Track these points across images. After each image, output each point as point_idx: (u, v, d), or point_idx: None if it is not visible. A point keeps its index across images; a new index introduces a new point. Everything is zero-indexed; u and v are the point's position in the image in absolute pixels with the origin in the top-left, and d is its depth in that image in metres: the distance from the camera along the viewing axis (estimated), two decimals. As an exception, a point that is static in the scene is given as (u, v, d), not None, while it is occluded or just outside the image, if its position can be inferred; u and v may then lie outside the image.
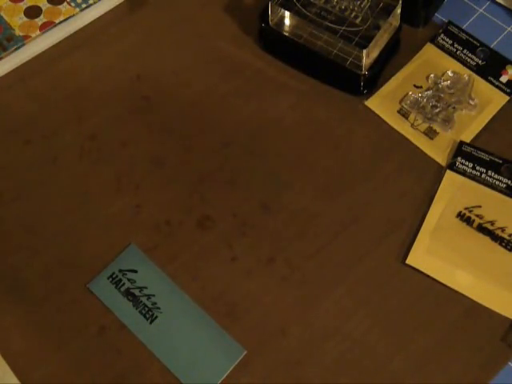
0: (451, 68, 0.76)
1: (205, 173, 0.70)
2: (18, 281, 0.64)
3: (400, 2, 0.74)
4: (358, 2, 0.74)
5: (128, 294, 0.63)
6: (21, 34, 0.76)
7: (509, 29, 0.80)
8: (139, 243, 0.66)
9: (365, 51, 0.71)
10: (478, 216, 0.67)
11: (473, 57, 0.77)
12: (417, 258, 0.65)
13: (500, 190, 0.69)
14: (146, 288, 0.64)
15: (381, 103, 0.74)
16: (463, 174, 0.70)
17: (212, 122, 0.74)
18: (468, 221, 0.67)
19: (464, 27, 0.80)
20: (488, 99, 0.75)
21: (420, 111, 0.73)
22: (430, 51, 0.78)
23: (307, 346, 0.62)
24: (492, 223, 0.67)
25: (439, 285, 0.64)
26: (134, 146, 0.72)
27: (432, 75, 0.76)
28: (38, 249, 0.66)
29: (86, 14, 0.79)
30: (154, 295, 0.63)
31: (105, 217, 0.68)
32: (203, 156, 0.71)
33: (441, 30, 0.79)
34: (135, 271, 0.64)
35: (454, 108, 0.74)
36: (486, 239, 0.66)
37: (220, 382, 0.60)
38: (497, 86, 0.76)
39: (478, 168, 0.70)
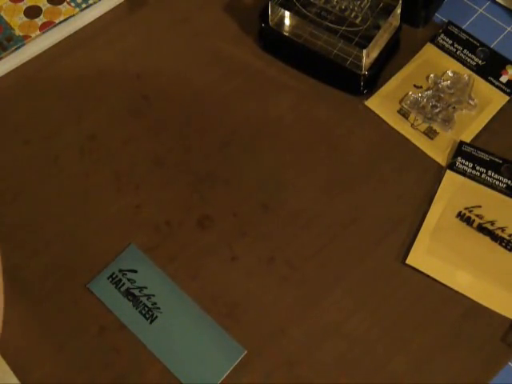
0: (451, 68, 0.76)
1: (205, 173, 0.70)
2: (17, 281, 0.64)
3: (400, 2, 0.74)
4: (358, 2, 0.74)
5: (128, 294, 0.63)
6: (21, 33, 0.76)
7: (509, 29, 0.80)
8: (139, 243, 0.66)
9: (365, 51, 0.71)
10: (477, 216, 0.67)
11: (473, 57, 0.77)
12: (417, 258, 0.65)
13: (500, 190, 0.69)
14: (145, 288, 0.64)
15: (381, 103, 0.74)
16: (463, 174, 0.70)
17: (212, 122, 0.74)
18: (468, 221, 0.67)
19: (464, 27, 0.80)
20: (488, 99, 0.75)
21: (420, 111, 0.73)
22: (430, 51, 0.78)
23: (307, 345, 0.62)
24: (492, 223, 0.67)
25: (439, 285, 0.64)
26: (134, 145, 0.72)
27: (432, 75, 0.76)
28: (38, 249, 0.66)
29: (86, 14, 0.79)
30: (153, 295, 0.63)
31: (105, 217, 0.68)
32: (203, 156, 0.71)
33: (441, 30, 0.79)
34: (135, 271, 0.64)
35: (453, 108, 0.74)
36: (486, 239, 0.66)
37: (220, 382, 0.60)
38: (497, 86, 0.76)
39: (478, 168, 0.70)
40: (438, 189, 0.69)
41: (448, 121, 0.73)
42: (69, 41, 0.79)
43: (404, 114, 0.74)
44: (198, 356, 0.61)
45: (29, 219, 0.67)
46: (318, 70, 0.76)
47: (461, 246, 0.66)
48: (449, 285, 0.64)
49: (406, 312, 0.63)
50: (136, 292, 0.63)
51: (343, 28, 0.73)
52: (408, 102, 0.74)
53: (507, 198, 0.69)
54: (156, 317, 0.62)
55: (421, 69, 0.77)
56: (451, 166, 0.70)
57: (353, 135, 0.73)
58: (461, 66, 0.77)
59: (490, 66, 0.77)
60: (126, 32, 0.80)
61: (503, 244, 0.66)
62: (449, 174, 0.70)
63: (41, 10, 0.78)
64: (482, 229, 0.67)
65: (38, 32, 0.76)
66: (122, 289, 0.64)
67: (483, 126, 0.73)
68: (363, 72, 0.73)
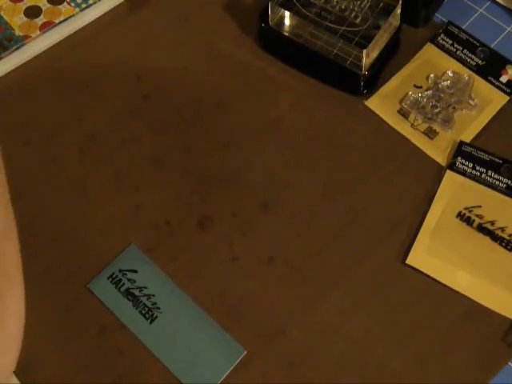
0: (451, 68, 0.76)
1: (205, 173, 0.70)
2: (18, 281, 0.64)
3: (400, 2, 0.74)
4: (358, 2, 0.74)
5: (128, 294, 0.63)
6: (21, 34, 0.76)
7: (509, 29, 0.80)
8: (139, 243, 0.66)
9: (365, 51, 0.71)
10: (478, 216, 0.67)
11: (473, 57, 0.77)
12: (417, 258, 0.65)
13: (500, 190, 0.69)
14: (145, 288, 0.64)
15: (381, 103, 0.74)
16: (463, 174, 0.70)
17: (212, 122, 0.74)
18: (468, 221, 0.67)
19: (464, 27, 0.80)
20: (488, 99, 0.75)
21: (420, 111, 0.73)
22: (430, 51, 0.78)
23: (307, 345, 0.62)
24: (492, 223, 0.67)
25: (439, 285, 0.64)
26: (134, 145, 0.72)
27: (432, 75, 0.76)
28: (38, 249, 0.66)
29: (86, 14, 0.79)
30: (153, 295, 0.63)
31: (105, 217, 0.68)
32: (203, 156, 0.71)
33: (441, 30, 0.79)
34: (135, 271, 0.64)
35: (454, 108, 0.74)
36: (486, 239, 0.66)
37: (220, 382, 0.60)
38: (497, 86, 0.76)
39: (478, 168, 0.70)
40: (438, 189, 0.69)
41: (448, 121, 0.73)
42: (69, 41, 0.79)
43: (404, 114, 0.74)
44: (198, 356, 0.61)
45: (29, 219, 0.67)
46: (318, 70, 0.76)
47: (461, 246, 0.66)
48: (449, 285, 0.64)
49: (406, 312, 0.63)
50: (136, 292, 0.63)
51: (343, 28, 0.73)
52: (408, 102, 0.74)
53: (507, 198, 0.69)
54: (156, 317, 0.62)
55: (421, 69, 0.77)
56: (451, 166, 0.70)
57: (353, 135, 0.73)
58: (461, 66, 0.77)
59: (490, 66, 0.77)
60: (126, 32, 0.80)
61: (503, 244, 0.66)
62: (449, 174, 0.70)
63: (41, 9, 0.78)
64: (481, 229, 0.67)
65: (38, 32, 0.76)
66: (122, 289, 0.64)
67: (483, 126, 0.73)
68: (363, 72, 0.73)
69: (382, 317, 0.63)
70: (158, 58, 0.78)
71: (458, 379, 0.60)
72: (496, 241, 0.66)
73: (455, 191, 0.69)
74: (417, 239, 0.66)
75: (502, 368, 0.61)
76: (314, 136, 0.73)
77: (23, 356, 0.61)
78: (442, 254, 0.65)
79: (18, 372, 0.60)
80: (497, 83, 0.76)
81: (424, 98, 0.74)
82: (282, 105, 0.75)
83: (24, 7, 0.78)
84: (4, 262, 0.37)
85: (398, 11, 0.75)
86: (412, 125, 0.73)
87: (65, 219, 0.68)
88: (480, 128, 0.73)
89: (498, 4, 0.82)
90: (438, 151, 0.72)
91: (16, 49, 0.76)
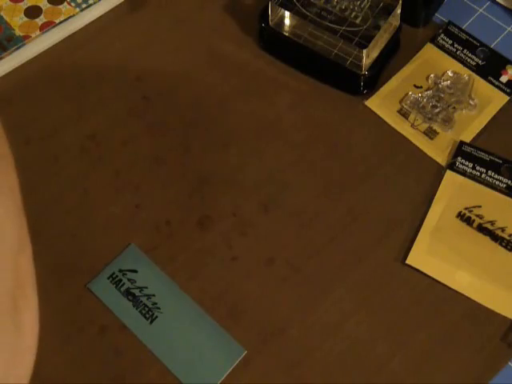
0: (451, 68, 0.76)
1: (205, 173, 0.70)
2: (18, 281, 0.64)
3: (400, 2, 0.74)
4: (358, 2, 0.74)
5: (128, 294, 0.63)
6: (21, 34, 0.76)
7: (509, 29, 0.80)
8: (139, 243, 0.66)
9: (365, 51, 0.71)
10: (478, 216, 0.67)
11: (473, 57, 0.77)
12: (417, 258, 0.65)
13: (500, 190, 0.69)
14: (146, 288, 0.64)
15: (381, 103, 0.74)
16: (463, 174, 0.70)
17: (212, 122, 0.74)
18: (468, 221, 0.67)
19: (464, 27, 0.80)
20: (488, 99, 0.75)
21: (420, 111, 0.73)
22: (429, 51, 0.78)
23: (307, 345, 0.62)
24: (492, 223, 0.67)
25: (439, 285, 0.64)
26: (134, 145, 0.72)
27: (432, 75, 0.76)
28: (38, 249, 0.66)
29: (86, 14, 0.79)
30: (153, 295, 0.63)
31: (105, 217, 0.68)
32: (203, 156, 0.71)
33: (441, 30, 0.79)
34: (135, 271, 0.64)
35: (454, 108, 0.74)
36: (486, 239, 0.66)
37: (220, 382, 0.60)
38: (497, 86, 0.76)
39: (477, 168, 0.70)
40: (438, 189, 0.69)
41: (448, 121, 0.73)
42: (69, 41, 0.79)
43: (404, 114, 0.74)
44: (198, 356, 0.61)
45: (29, 219, 0.67)
46: (318, 70, 0.76)
47: (461, 246, 0.66)
48: (449, 285, 0.64)
49: (406, 312, 0.63)
50: (136, 292, 0.63)
51: (343, 28, 0.73)
52: (408, 102, 0.74)
53: (507, 198, 0.69)
54: (156, 317, 0.62)
55: (421, 69, 0.77)
56: (451, 166, 0.70)
57: (353, 135, 0.73)
58: (461, 65, 0.77)
59: (489, 66, 0.77)
60: (126, 32, 0.80)
61: (503, 244, 0.66)
62: (449, 174, 0.70)
63: (41, 9, 0.78)
64: (481, 229, 0.67)
65: (38, 32, 0.76)
66: (122, 289, 0.64)
67: (483, 126, 0.73)
68: (363, 72, 0.73)
69: (382, 317, 0.63)
70: (158, 58, 0.78)
71: (458, 379, 0.60)
72: (496, 241, 0.66)
73: (455, 191, 0.69)
74: (417, 239, 0.66)
75: (502, 368, 0.61)
76: (314, 136, 0.73)
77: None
78: (442, 254, 0.65)
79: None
80: (497, 83, 0.76)
81: (424, 98, 0.74)
82: (282, 105, 0.75)
83: (24, 7, 0.78)
84: (19, 275, 0.37)
85: (398, 11, 0.75)
86: (412, 125, 0.73)
87: (65, 219, 0.68)
88: (480, 128, 0.73)
89: (498, 4, 0.82)
90: (437, 151, 0.72)
91: (16, 49, 0.76)
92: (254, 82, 0.76)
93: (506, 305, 0.63)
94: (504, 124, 0.74)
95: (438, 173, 0.70)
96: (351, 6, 0.74)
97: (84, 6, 0.79)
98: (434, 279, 0.64)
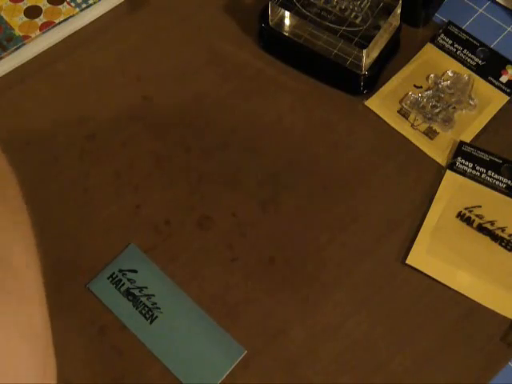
0: (451, 68, 0.76)
1: (205, 173, 0.70)
2: (17, 281, 0.64)
3: (400, 2, 0.74)
4: (358, 2, 0.74)
5: (128, 294, 0.63)
6: (21, 34, 0.76)
7: (509, 29, 0.80)
8: (139, 243, 0.66)
9: (365, 51, 0.71)
10: (478, 216, 0.67)
11: (473, 57, 0.77)
12: (417, 258, 0.65)
13: (500, 190, 0.69)
14: (146, 288, 0.64)
15: (381, 103, 0.74)
16: (463, 174, 0.70)
17: (212, 122, 0.74)
18: (468, 221, 0.67)
19: (464, 27, 0.80)
20: (488, 99, 0.75)
21: (420, 111, 0.73)
22: (430, 51, 0.78)
23: (307, 345, 0.62)
24: (492, 223, 0.67)
25: (439, 285, 0.64)
26: (134, 145, 0.72)
27: (432, 75, 0.76)
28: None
29: (86, 14, 0.79)
30: (153, 295, 0.63)
31: (105, 217, 0.68)
32: (203, 156, 0.71)
33: (441, 30, 0.79)
34: (135, 271, 0.64)
35: (454, 108, 0.74)
36: (486, 239, 0.66)
37: (220, 382, 0.60)
38: (497, 86, 0.76)
39: (478, 168, 0.70)
40: (437, 189, 0.69)
41: (448, 121, 0.73)
42: (69, 41, 0.79)
43: (404, 114, 0.74)
44: (198, 356, 0.61)
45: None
46: (318, 70, 0.76)
47: (461, 246, 0.66)
48: (449, 285, 0.64)
49: (406, 312, 0.63)
50: (136, 292, 0.63)
51: (343, 28, 0.73)
52: (408, 102, 0.74)
53: (507, 198, 0.69)
54: (156, 317, 0.62)
55: (421, 69, 0.77)
56: (451, 166, 0.70)
57: (353, 135, 0.73)
58: (461, 66, 0.77)
59: (489, 66, 0.77)
60: (126, 32, 0.80)
61: (503, 244, 0.66)
62: (449, 174, 0.70)
63: (41, 9, 0.78)
64: (481, 229, 0.67)
65: (38, 32, 0.76)
66: (122, 289, 0.64)
67: (483, 125, 0.73)
68: (363, 72, 0.73)
69: (382, 317, 0.63)
70: (158, 57, 0.78)
71: (458, 379, 0.60)
72: (496, 241, 0.66)
73: (455, 191, 0.69)
74: (417, 239, 0.66)
75: (502, 368, 0.61)
76: (314, 136, 0.73)
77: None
78: (442, 254, 0.65)
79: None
80: (497, 83, 0.76)
81: (424, 98, 0.74)
82: (282, 105, 0.75)
83: (24, 7, 0.78)
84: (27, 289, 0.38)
85: (398, 11, 0.75)
86: (412, 125, 0.73)
87: (65, 219, 0.68)
88: (480, 128, 0.73)
89: (498, 4, 0.82)
90: (438, 151, 0.72)
91: (16, 49, 0.76)
92: (254, 82, 0.76)
93: (506, 305, 0.63)
94: (504, 124, 0.74)
95: (438, 173, 0.70)
96: (351, 6, 0.74)
97: (84, 5, 0.79)
98: (434, 279, 0.64)
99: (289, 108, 0.75)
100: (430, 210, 0.68)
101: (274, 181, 0.70)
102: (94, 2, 0.79)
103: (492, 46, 0.78)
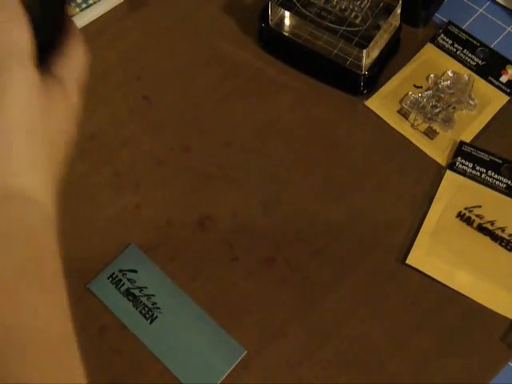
0: (451, 68, 0.76)
1: (205, 173, 0.70)
2: (18, 281, 0.64)
3: (400, 2, 0.74)
4: (358, 2, 0.74)
5: (128, 294, 0.63)
6: (21, 33, 0.76)
7: (509, 29, 0.80)
8: (139, 243, 0.66)
9: (365, 51, 0.71)
10: (477, 216, 0.67)
11: (473, 57, 0.77)
12: (417, 258, 0.65)
13: (500, 190, 0.69)
14: (145, 288, 0.64)
15: (381, 103, 0.74)
16: (463, 174, 0.70)
17: (212, 122, 0.74)
18: (468, 221, 0.67)
19: (464, 27, 0.80)
20: (488, 99, 0.75)
21: (420, 111, 0.73)
22: (429, 51, 0.78)
23: (307, 345, 0.62)
24: (492, 223, 0.67)
25: (439, 285, 0.64)
26: (134, 145, 0.72)
27: (432, 75, 0.76)
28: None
29: (86, 14, 0.79)
30: (154, 295, 0.63)
31: (105, 217, 0.68)
32: (203, 156, 0.71)
33: (441, 30, 0.79)
34: (135, 271, 0.64)
35: (454, 108, 0.74)
36: (486, 239, 0.66)
37: (220, 382, 0.60)
38: (497, 86, 0.76)
39: (477, 168, 0.70)
40: (437, 189, 0.69)
41: (448, 121, 0.73)
42: (69, 41, 0.79)
43: (404, 114, 0.74)
44: (198, 356, 0.61)
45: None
46: (318, 70, 0.76)
47: (461, 246, 0.66)
48: (449, 285, 0.64)
49: (406, 312, 0.63)
50: (136, 292, 0.63)
51: (343, 28, 0.73)
52: (408, 102, 0.74)
53: (507, 198, 0.69)
54: (156, 317, 0.62)
55: (421, 69, 0.77)
56: (451, 166, 0.70)
57: (353, 135, 0.73)
58: (461, 65, 0.77)
59: (490, 66, 0.77)
60: (126, 32, 0.80)
61: (503, 244, 0.66)
62: (449, 174, 0.70)
63: (41, 9, 0.78)
64: (481, 229, 0.67)
65: (38, 32, 0.76)
66: (122, 289, 0.64)
67: (483, 126, 0.73)
68: (363, 72, 0.73)
69: (382, 317, 0.63)
70: (158, 58, 0.78)
71: (457, 379, 0.60)
72: (496, 241, 0.66)
73: (455, 191, 0.69)
74: (417, 239, 0.66)
75: (502, 368, 0.61)
76: (314, 136, 0.73)
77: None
78: (441, 254, 0.65)
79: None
80: (497, 83, 0.76)
81: (424, 98, 0.74)
82: (282, 105, 0.75)
83: (24, 7, 0.78)
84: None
85: (398, 11, 0.75)
86: (412, 125, 0.73)
87: (64, 219, 0.67)
88: (480, 128, 0.73)
89: (498, 4, 0.82)
90: (438, 151, 0.72)
91: (16, 49, 0.75)
92: (254, 82, 0.76)
93: (506, 305, 0.63)
94: (504, 124, 0.74)
95: (438, 173, 0.70)
96: (351, 6, 0.74)
97: (84, 5, 0.79)
98: (434, 279, 0.64)
99: (289, 108, 0.75)
100: (430, 210, 0.68)
101: (274, 181, 0.70)
102: (94, 2, 0.79)
103: (492, 46, 0.78)
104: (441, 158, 0.71)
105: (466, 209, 0.68)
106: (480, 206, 0.68)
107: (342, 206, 0.69)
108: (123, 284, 0.64)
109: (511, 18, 0.81)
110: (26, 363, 0.33)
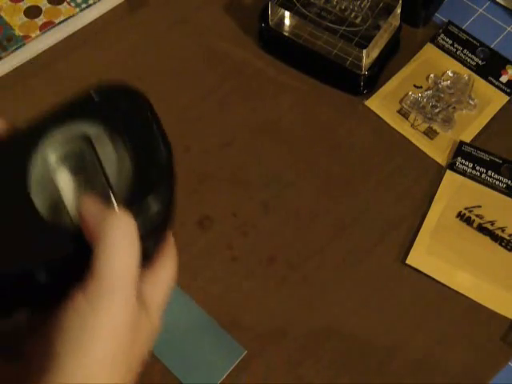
0: (451, 68, 0.76)
1: (205, 173, 0.70)
2: (18, 281, 0.64)
3: (400, 2, 0.74)
4: (358, 2, 0.74)
5: (128, 294, 0.63)
6: (21, 34, 0.76)
7: (509, 29, 0.80)
8: (139, 243, 0.66)
9: (365, 51, 0.71)
10: (478, 216, 0.67)
11: (473, 57, 0.77)
12: (417, 258, 0.65)
13: (500, 190, 0.69)
14: (146, 288, 0.63)
15: (381, 103, 0.74)
16: (463, 174, 0.70)
17: (212, 122, 0.74)
18: (468, 221, 0.67)
19: (464, 27, 0.80)
20: (488, 99, 0.75)
21: (420, 111, 0.73)
22: (429, 51, 0.78)
23: (307, 346, 0.62)
24: (492, 223, 0.67)
25: (439, 285, 0.64)
26: (134, 145, 0.72)
27: (432, 75, 0.76)
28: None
29: (86, 14, 0.79)
30: (154, 295, 0.63)
31: (105, 217, 0.67)
32: (203, 156, 0.71)
33: (441, 30, 0.79)
34: (135, 271, 0.64)
35: (454, 108, 0.74)
36: (486, 239, 0.66)
37: (220, 382, 0.60)
38: (497, 86, 0.76)
39: (477, 168, 0.70)
40: (438, 189, 0.69)
41: (448, 121, 0.73)
42: (69, 41, 0.79)
43: (404, 114, 0.74)
44: (198, 356, 0.61)
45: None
46: (318, 70, 0.76)
47: (461, 246, 0.66)
48: (449, 285, 0.64)
49: (406, 312, 0.63)
50: (136, 292, 0.63)
51: (343, 28, 0.73)
52: (408, 102, 0.74)
53: (507, 198, 0.69)
54: (156, 317, 0.62)
55: (421, 69, 0.77)
56: (451, 166, 0.70)
57: (353, 135, 0.73)
58: (461, 65, 0.77)
59: (490, 66, 0.77)
60: (126, 32, 0.80)
61: (503, 244, 0.66)
62: (449, 173, 0.70)
63: (41, 10, 0.78)
64: (481, 229, 0.67)
65: (38, 32, 0.76)
66: (122, 289, 0.63)
67: (483, 126, 0.73)
68: (363, 72, 0.73)
69: (382, 317, 0.63)
70: (158, 58, 0.78)
71: (458, 379, 0.60)
72: (496, 241, 0.66)
73: (455, 191, 0.69)
74: (417, 239, 0.66)
75: (502, 368, 0.61)
76: (314, 136, 0.73)
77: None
78: (441, 254, 0.65)
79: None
80: (497, 83, 0.76)
81: (424, 98, 0.74)
82: (282, 105, 0.75)
83: (24, 7, 0.78)
84: None
85: (398, 11, 0.75)
86: (412, 125, 0.73)
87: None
88: (480, 128, 0.73)
89: (498, 4, 0.82)
90: (438, 151, 0.72)
91: (16, 49, 0.76)
92: (254, 82, 0.76)
93: (506, 305, 0.63)
94: (504, 124, 0.74)
95: (438, 173, 0.70)
96: (351, 6, 0.74)
97: (84, 6, 0.78)
98: (434, 279, 0.64)
99: (289, 108, 0.75)
100: (430, 210, 0.68)
101: (275, 181, 0.70)
102: (94, 2, 0.79)
103: (492, 46, 0.78)
104: (441, 158, 0.71)
105: (466, 209, 0.68)
106: (480, 206, 0.68)
107: (341, 206, 0.69)
108: (123, 284, 0.64)
109: (511, 18, 0.81)
110: None
